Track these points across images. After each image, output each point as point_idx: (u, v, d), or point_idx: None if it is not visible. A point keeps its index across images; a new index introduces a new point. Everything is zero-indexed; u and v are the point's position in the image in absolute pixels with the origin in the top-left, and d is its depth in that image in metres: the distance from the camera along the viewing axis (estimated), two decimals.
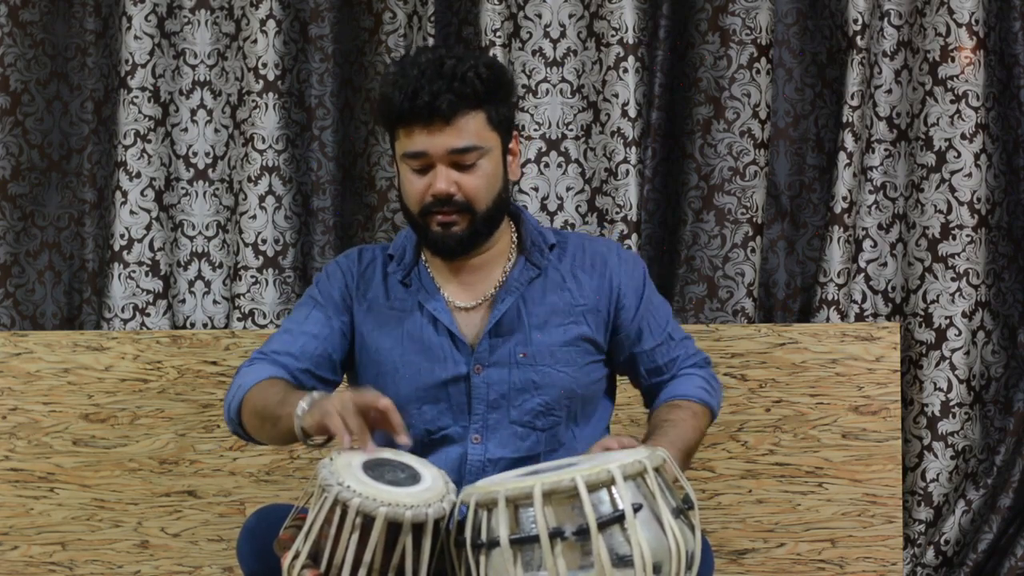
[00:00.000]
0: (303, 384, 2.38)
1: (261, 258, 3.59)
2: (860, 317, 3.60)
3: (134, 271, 3.62)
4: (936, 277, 3.58)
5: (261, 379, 2.35)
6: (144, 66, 3.61)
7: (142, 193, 3.62)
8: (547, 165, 3.60)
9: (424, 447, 2.33)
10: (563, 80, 3.60)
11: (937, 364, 3.57)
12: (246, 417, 2.34)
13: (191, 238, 3.65)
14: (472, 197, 2.32)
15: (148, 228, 3.63)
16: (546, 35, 3.59)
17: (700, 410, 2.40)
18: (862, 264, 3.61)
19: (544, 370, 2.35)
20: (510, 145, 2.39)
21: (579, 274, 2.41)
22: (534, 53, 3.60)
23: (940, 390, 3.57)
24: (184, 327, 3.63)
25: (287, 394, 2.27)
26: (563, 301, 2.38)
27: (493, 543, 1.95)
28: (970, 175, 3.56)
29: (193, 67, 3.64)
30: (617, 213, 3.55)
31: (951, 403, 3.57)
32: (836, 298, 3.54)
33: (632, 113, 3.54)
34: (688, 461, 2.31)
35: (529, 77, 3.58)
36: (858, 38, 3.52)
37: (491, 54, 3.50)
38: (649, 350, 2.44)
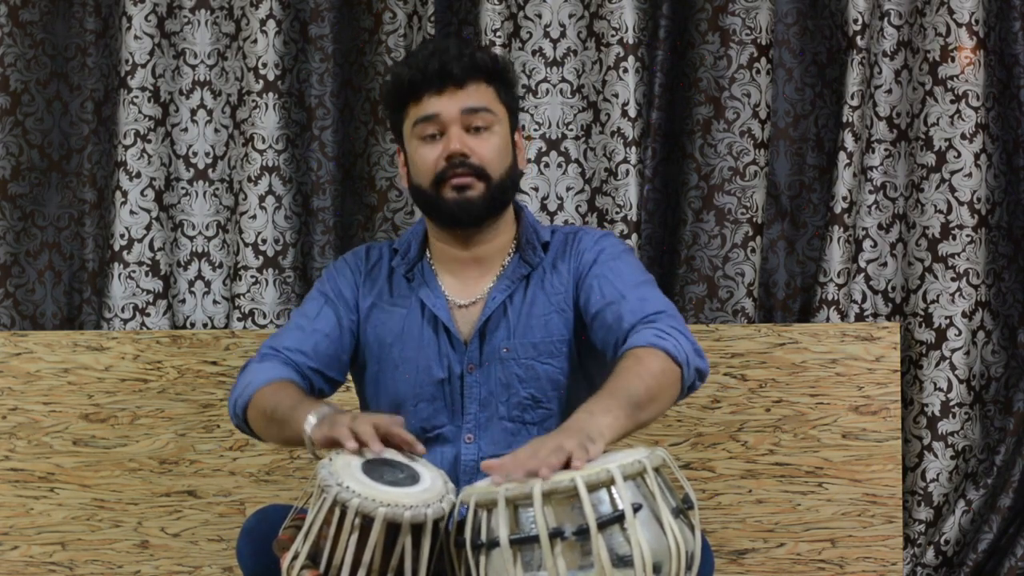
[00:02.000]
0: (311, 383, 2.39)
1: (261, 258, 3.59)
2: (860, 317, 3.60)
3: (134, 271, 3.62)
4: (936, 277, 3.58)
5: (272, 380, 2.35)
6: (144, 66, 3.61)
7: (142, 193, 3.62)
8: (547, 165, 3.60)
9: None
10: (563, 80, 3.60)
11: (937, 364, 3.57)
12: (252, 415, 2.34)
13: (191, 238, 3.64)
14: (486, 161, 2.34)
15: (148, 228, 3.63)
16: (546, 35, 3.59)
17: (645, 352, 2.19)
18: (862, 264, 3.61)
19: (527, 363, 2.36)
20: (515, 136, 2.42)
21: (559, 264, 2.41)
22: (534, 53, 3.60)
23: (940, 390, 3.57)
24: (184, 327, 3.63)
25: (299, 401, 2.27)
26: (544, 294, 2.38)
27: (493, 543, 1.95)
28: (970, 175, 3.56)
29: (193, 67, 3.64)
30: (617, 213, 3.55)
31: (951, 403, 3.56)
32: (836, 298, 3.54)
33: (632, 113, 3.54)
34: (641, 408, 2.13)
35: (529, 77, 3.58)
36: (858, 38, 3.52)
37: None
38: (598, 311, 2.32)
